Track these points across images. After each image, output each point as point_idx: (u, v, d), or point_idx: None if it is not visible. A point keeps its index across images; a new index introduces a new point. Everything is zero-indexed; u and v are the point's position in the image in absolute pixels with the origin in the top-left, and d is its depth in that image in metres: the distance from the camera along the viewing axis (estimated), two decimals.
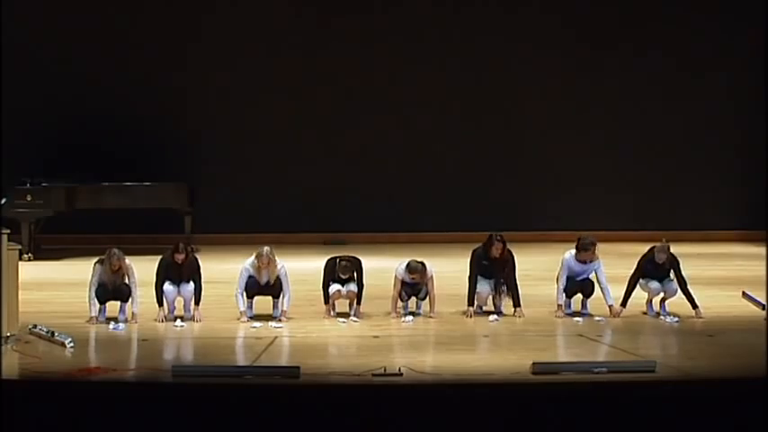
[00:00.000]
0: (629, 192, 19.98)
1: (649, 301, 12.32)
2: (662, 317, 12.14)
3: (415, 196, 19.79)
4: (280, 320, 11.89)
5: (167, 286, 12.04)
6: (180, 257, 12.03)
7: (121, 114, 19.35)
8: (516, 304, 12.24)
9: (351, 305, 12.23)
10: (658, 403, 8.32)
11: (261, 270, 12.03)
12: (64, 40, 19.39)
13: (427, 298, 12.30)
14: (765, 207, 17.80)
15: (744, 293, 13.13)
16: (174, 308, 12.18)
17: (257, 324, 11.77)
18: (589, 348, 10.68)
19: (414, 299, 12.35)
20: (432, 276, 12.25)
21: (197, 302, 12.08)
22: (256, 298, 12.19)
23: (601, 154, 20.12)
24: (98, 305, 11.85)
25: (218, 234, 15.50)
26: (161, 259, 12.15)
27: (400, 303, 12.30)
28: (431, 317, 12.20)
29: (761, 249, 16.07)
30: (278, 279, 12.02)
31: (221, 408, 8.28)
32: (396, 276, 12.23)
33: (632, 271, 12.26)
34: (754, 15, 18.84)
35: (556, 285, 12.33)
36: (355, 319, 12.06)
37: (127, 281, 11.92)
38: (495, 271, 12.25)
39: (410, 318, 12.15)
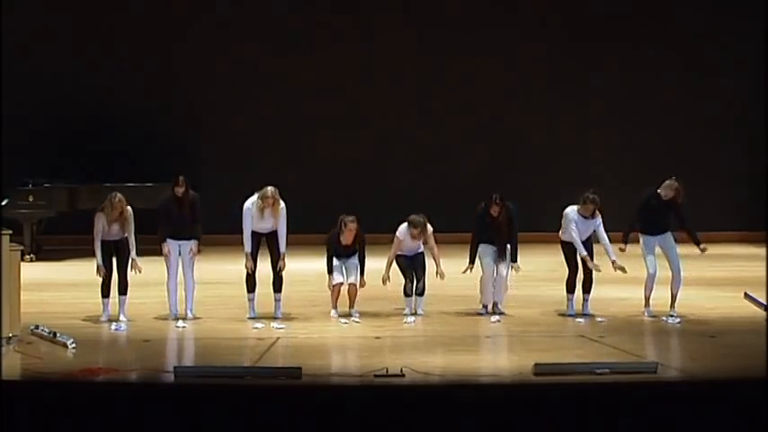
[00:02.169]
0: (630, 193, 19.91)
1: (647, 300, 12.29)
2: (664, 318, 12.11)
3: (416, 197, 19.73)
4: (280, 320, 11.95)
5: (169, 246, 12.14)
6: (180, 190, 12.18)
7: (122, 115, 19.34)
8: (513, 259, 12.35)
9: (351, 303, 12.26)
10: (660, 404, 8.32)
11: (264, 210, 12.13)
12: (65, 41, 19.39)
13: (425, 285, 12.35)
14: (766, 208, 17.78)
15: (745, 294, 13.13)
16: (177, 310, 12.19)
17: (259, 325, 11.78)
18: (591, 349, 10.68)
19: (414, 297, 12.37)
20: (431, 233, 12.39)
21: (198, 238, 12.28)
22: (256, 299, 12.25)
23: (602, 155, 20.12)
24: (101, 259, 11.96)
25: (218, 235, 15.45)
26: (162, 198, 12.38)
27: (403, 303, 12.34)
28: (438, 272, 12.27)
29: (761, 250, 16.08)
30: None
31: (223, 408, 8.27)
32: (396, 237, 12.36)
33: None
34: (753, 16, 18.85)
35: (566, 236, 12.34)
36: (357, 319, 12.08)
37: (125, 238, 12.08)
38: (496, 231, 12.35)
39: (412, 319, 12.17)
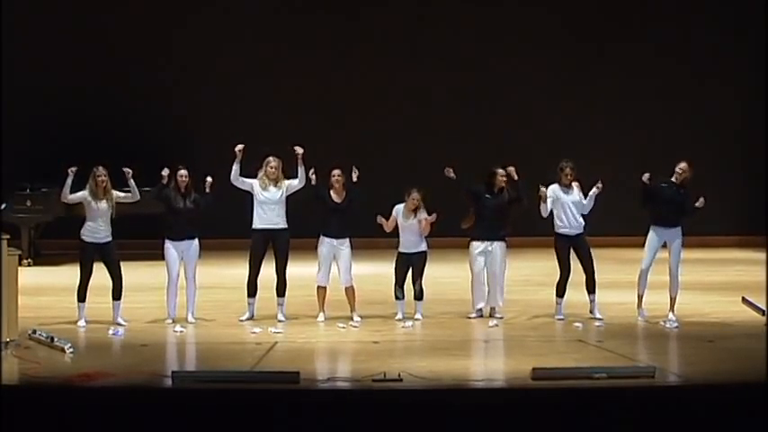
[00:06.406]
0: (629, 196, 19.93)
1: (641, 299, 12.29)
2: (662, 322, 12.10)
3: None
4: (279, 324, 11.96)
5: (170, 250, 12.11)
6: (183, 178, 12.38)
7: (122, 119, 19.36)
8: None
9: (352, 307, 12.26)
10: (658, 409, 8.31)
11: (269, 181, 12.48)
12: (65, 45, 19.40)
13: (422, 288, 12.35)
14: (765, 211, 17.79)
15: (743, 299, 13.12)
16: (175, 314, 12.19)
17: (257, 329, 11.78)
18: (589, 353, 10.67)
19: (414, 302, 12.35)
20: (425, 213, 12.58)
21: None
22: (257, 302, 12.24)
23: (600, 157, 20.10)
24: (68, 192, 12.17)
25: (218, 239, 15.46)
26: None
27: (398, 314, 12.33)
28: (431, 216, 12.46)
29: (760, 254, 16.07)
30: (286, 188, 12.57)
31: (221, 413, 8.27)
32: (393, 214, 12.51)
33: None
34: (754, 16, 18.87)
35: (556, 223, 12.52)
36: (355, 324, 12.07)
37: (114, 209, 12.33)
38: (494, 207, 12.72)
39: (410, 323, 12.16)
